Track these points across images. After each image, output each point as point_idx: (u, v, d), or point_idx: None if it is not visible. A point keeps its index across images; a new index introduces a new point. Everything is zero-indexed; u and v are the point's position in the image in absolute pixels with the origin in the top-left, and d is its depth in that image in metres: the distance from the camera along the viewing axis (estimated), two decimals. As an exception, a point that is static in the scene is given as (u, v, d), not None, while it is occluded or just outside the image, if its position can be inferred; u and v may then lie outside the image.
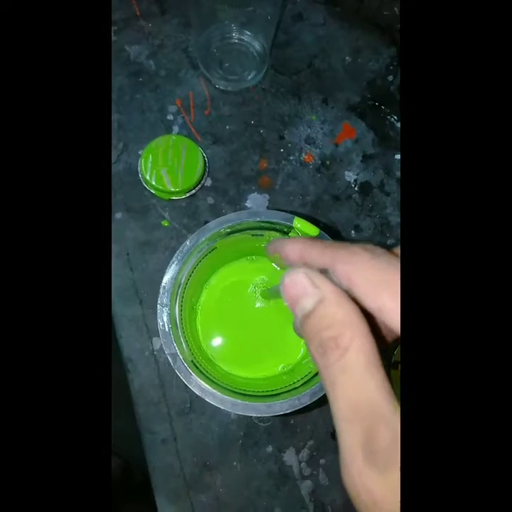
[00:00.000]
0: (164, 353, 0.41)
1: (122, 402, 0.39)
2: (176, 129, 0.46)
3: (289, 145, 0.47)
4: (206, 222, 0.37)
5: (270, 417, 0.40)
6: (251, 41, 0.46)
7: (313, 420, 0.41)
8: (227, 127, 0.47)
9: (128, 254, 0.43)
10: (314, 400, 0.28)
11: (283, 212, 0.30)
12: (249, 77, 0.47)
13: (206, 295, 0.36)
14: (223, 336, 0.36)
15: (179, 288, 0.30)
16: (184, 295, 0.31)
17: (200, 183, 0.44)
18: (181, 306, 0.30)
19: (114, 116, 0.46)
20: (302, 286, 0.17)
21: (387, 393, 0.15)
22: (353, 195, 0.46)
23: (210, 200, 0.45)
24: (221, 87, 0.47)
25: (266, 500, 0.39)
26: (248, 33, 0.46)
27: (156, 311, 0.31)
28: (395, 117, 0.48)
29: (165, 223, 0.44)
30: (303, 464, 0.40)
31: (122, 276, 0.42)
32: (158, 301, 0.30)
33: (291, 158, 0.47)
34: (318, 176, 0.46)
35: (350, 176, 0.47)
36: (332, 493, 0.40)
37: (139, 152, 0.44)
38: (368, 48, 0.50)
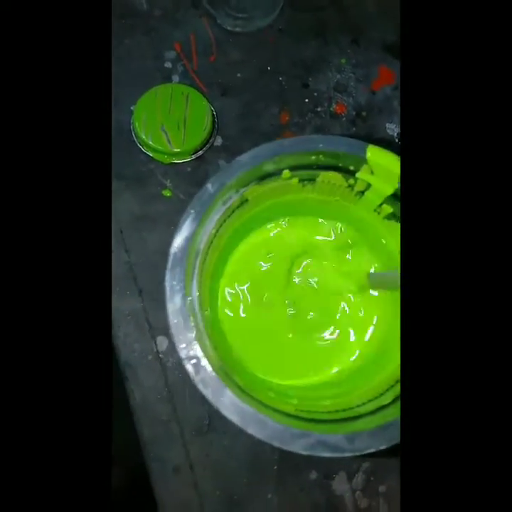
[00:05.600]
0: (172, 356, 0.32)
1: (120, 420, 0.30)
2: (175, 78, 0.37)
3: (315, 94, 0.38)
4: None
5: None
6: (263, -32, 0.38)
7: (366, 434, 0.32)
8: (239, 75, 0.38)
9: (121, 232, 0.34)
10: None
11: (349, 138, 0.21)
12: (262, 15, 0.38)
13: (232, 270, 0.26)
14: (259, 329, 0.26)
15: (197, 257, 0.20)
16: (203, 269, 0.21)
17: (208, 141, 0.35)
18: (200, 285, 0.20)
19: (99, 67, 0.37)
20: None
21: None
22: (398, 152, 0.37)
23: (222, 163, 0.36)
24: (228, 28, 0.39)
25: (313, 544, 0.30)
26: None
27: (164, 298, 0.22)
28: (442, 57, 0.40)
29: (166, 193, 0.35)
30: (358, 493, 0.31)
31: (116, 259, 0.33)
32: (167, 277, 0.20)
33: (319, 109, 0.38)
34: (353, 129, 0.37)
35: (392, 128, 0.38)
36: (398, 530, 0.30)
37: (132, 107, 0.36)
38: (403, -23, 0.41)
